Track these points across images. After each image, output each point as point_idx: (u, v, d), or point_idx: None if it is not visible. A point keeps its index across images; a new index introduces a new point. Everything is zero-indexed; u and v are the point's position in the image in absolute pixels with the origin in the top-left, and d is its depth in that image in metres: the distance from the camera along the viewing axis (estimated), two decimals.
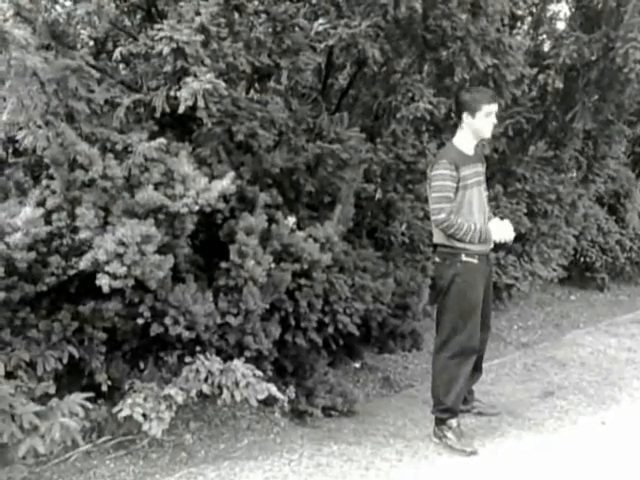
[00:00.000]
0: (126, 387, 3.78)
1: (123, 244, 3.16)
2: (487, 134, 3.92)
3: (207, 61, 3.49)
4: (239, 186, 4.00)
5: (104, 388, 3.79)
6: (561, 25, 6.34)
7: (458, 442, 3.90)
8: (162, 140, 3.41)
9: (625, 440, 3.98)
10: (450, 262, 3.89)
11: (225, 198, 3.95)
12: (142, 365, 4.02)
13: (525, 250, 6.12)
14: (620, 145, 6.97)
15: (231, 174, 3.46)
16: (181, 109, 3.43)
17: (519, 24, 6.09)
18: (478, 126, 3.86)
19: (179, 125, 3.90)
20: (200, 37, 3.47)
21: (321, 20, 4.37)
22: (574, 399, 4.70)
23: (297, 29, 4.20)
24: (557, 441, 3.98)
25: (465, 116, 3.87)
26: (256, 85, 4.30)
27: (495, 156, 5.97)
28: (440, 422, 4.01)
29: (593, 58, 5.49)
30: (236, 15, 4.05)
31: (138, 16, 4.69)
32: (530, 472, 3.63)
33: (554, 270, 6.34)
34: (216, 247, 4.03)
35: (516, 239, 6.12)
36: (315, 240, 3.90)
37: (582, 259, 8.16)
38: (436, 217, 3.80)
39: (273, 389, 3.80)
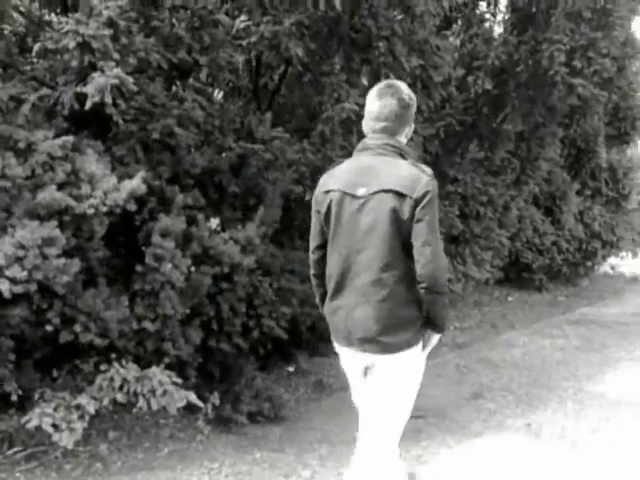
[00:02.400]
0: (36, 396, 3.61)
1: (23, 247, 3.00)
2: None
3: (116, 56, 3.35)
4: (159, 187, 3.89)
5: (14, 397, 3.60)
6: (498, 29, 6.42)
7: None
8: (67, 138, 3.26)
9: (549, 442, 3.98)
10: None
11: (142, 199, 3.84)
12: (56, 373, 3.85)
13: (458, 252, 6.12)
14: (553, 147, 7.07)
15: (141, 173, 3.33)
16: (88, 105, 3.30)
17: (453, 26, 6.11)
18: None
19: (94, 123, 3.74)
20: (108, 31, 3.33)
21: (243, 17, 4.28)
22: (502, 401, 4.69)
23: (218, 26, 4.10)
24: (482, 444, 3.95)
25: None
26: (177, 82, 4.16)
27: (427, 158, 5.97)
28: None
29: (521, 60, 5.54)
30: (153, 10, 3.94)
31: (58, 10, 4.53)
32: (451, 476, 3.59)
33: (488, 272, 6.34)
34: (137, 250, 3.90)
35: (449, 241, 6.18)
36: (236, 242, 3.80)
37: (518, 260, 8.25)
38: None
39: (192, 397, 3.68)
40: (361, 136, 4.82)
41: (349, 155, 4.77)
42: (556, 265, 8.69)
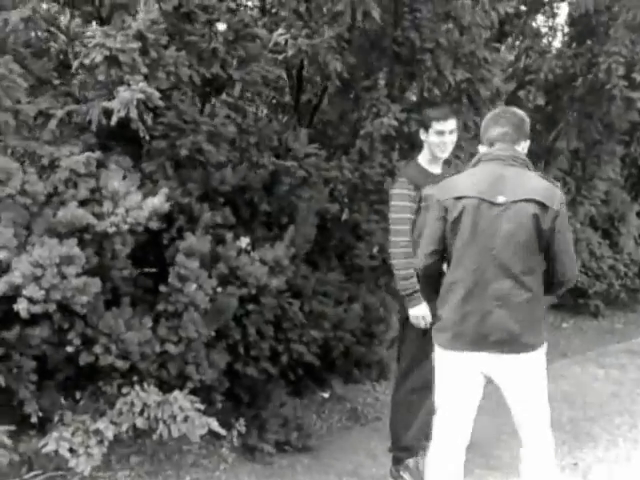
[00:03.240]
0: (56, 419, 3.51)
1: (41, 266, 2.90)
2: (439, 153, 3.63)
3: (144, 70, 3.25)
4: (188, 204, 3.77)
5: (34, 419, 3.51)
6: (557, 43, 6.11)
7: None
8: (91, 154, 3.16)
9: None
10: None
11: (171, 217, 3.74)
12: (78, 395, 3.75)
13: None
14: (611, 165, 6.68)
15: (164, 190, 3.21)
16: (113, 120, 3.20)
17: (508, 39, 5.84)
18: (431, 143, 3.61)
19: (123, 139, 3.65)
20: (136, 44, 3.24)
21: (281, 30, 4.14)
22: None
23: (255, 39, 3.97)
24: None
25: (421, 132, 3.64)
26: (211, 98, 4.05)
27: None
28: (397, 461, 3.71)
29: (577, 73, 5.24)
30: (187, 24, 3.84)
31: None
32: None
33: None
34: (165, 270, 3.78)
35: None
36: (264, 263, 3.64)
37: (574, 285, 7.84)
38: (390, 239, 3.55)
39: (214, 424, 3.52)
40: (403, 153, 4.61)
41: (389, 173, 4.60)
42: (614, 291, 8.23)
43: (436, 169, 3.70)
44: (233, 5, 4.04)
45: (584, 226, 8.04)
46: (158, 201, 3.11)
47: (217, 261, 3.67)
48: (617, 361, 6.39)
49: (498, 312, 2.59)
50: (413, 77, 4.45)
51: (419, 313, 3.52)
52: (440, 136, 3.60)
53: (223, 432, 3.60)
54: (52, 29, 3.95)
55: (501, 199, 2.61)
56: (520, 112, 2.87)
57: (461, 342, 2.68)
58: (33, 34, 3.75)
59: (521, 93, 5.24)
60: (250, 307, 3.71)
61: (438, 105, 3.89)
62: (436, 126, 3.59)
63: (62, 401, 3.66)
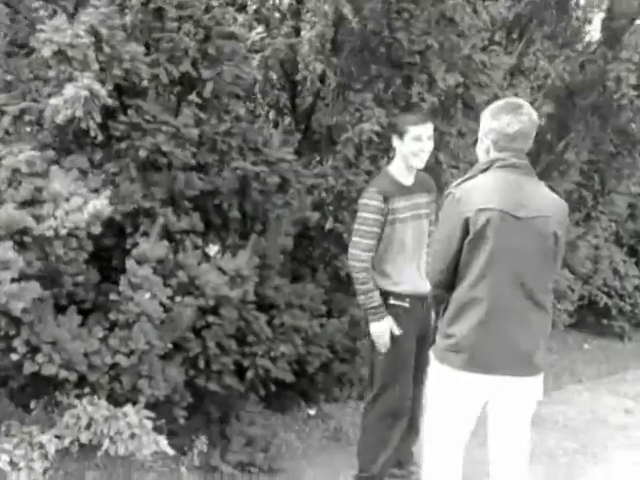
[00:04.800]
0: (2, 429, 3.36)
1: None
2: (415, 161, 3.34)
3: (95, 66, 3.09)
4: (151, 208, 3.60)
5: None
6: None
7: None
8: (35, 153, 3.01)
9: None
10: None
11: (135, 222, 3.58)
12: (33, 405, 3.60)
13: None
14: (634, 179, 6.28)
15: (106, 193, 3.04)
16: (59, 118, 3.04)
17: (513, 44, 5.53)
18: (406, 151, 3.32)
19: (80, 138, 3.50)
20: (87, 39, 3.08)
21: (259, 29, 3.96)
22: (539, 469, 4.03)
23: (230, 37, 3.79)
24: None
25: (394, 139, 3.36)
26: (190, 97, 3.85)
27: None
28: None
29: (587, 81, 4.91)
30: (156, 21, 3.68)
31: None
32: None
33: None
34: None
35: None
36: (224, 273, 3.43)
37: (596, 304, 7.42)
38: (350, 251, 3.30)
39: (163, 442, 3.33)
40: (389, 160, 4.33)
41: None
42: None
43: (409, 180, 3.43)
44: (210, 2, 3.86)
45: (609, 242, 7.64)
46: (100, 204, 2.93)
47: (176, 269, 3.48)
48: (634, 389, 5.96)
49: (519, 334, 2.45)
50: (404, 81, 4.18)
51: (381, 329, 3.27)
52: (418, 142, 3.32)
53: (170, 451, 3.39)
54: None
55: (522, 213, 2.41)
56: (532, 111, 2.52)
57: (478, 364, 2.49)
58: None
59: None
60: (210, 319, 3.50)
61: (412, 109, 3.61)
62: (413, 131, 3.31)
63: (14, 410, 3.53)
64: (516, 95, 5.22)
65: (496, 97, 4.51)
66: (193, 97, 3.68)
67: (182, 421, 3.76)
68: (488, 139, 2.50)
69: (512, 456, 2.65)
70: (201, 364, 3.59)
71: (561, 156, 5.13)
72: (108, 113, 3.41)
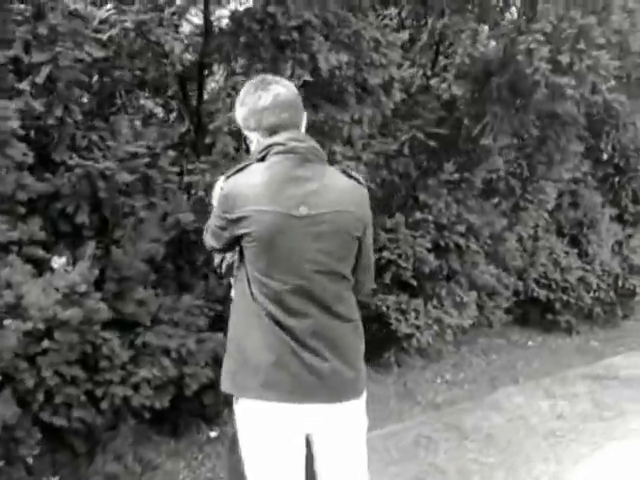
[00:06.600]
0: None
1: None
2: None
3: None
4: None
5: None
6: None
7: None
8: None
9: None
10: None
11: None
12: None
13: (435, 292, 5.04)
14: (565, 165, 5.86)
15: None
16: None
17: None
18: None
19: None
20: None
21: (109, 5, 3.45)
22: None
23: (69, 15, 3.28)
24: None
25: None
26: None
27: (396, 179, 4.96)
28: None
29: (499, 56, 4.47)
30: None
31: None
32: None
33: (471, 318, 5.23)
34: None
35: (420, 279, 5.13)
36: (56, 290, 2.92)
37: (536, 300, 7.03)
38: None
39: None
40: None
41: None
42: (585, 305, 7.37)
43: None
44: None
45: (549, 233, 7.25)
46: None
47: (5, 288, 2.96)
48: (572, 389, 5.55)
49: (323, 350, 2.03)
50: (277, 61, 3.70)
51: None
52: None
53: None
54: None
55: (304, 210, 1.98)
56: (285, 81, 2.13)
57: (275, 393, 2.05)
58: None
59: (433, 82, 4.47)
60: (45, 344, 2.99)
61: None
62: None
63: None
64: (424, 76, 4.81)
65: (392, 78, 4.08)
66: (25, 85, 3.15)
67: (30, 460, 3.26)
68: (251, 127, 2.07)
69: None
70: (40, 396, 3.08)
71: (475, 143, 4.68)
72: None
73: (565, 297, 7.15)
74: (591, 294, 7.34)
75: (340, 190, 2.04)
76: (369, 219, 2.12)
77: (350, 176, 2.11)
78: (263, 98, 2.03)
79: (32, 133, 3.56)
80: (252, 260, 2.01)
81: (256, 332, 2.01)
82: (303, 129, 2.14)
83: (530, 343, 7.39)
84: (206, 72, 4.21)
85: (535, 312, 7.44)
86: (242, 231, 1.99)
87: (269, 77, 2.12)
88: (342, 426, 2.13)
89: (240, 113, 2.08)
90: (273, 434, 2.06)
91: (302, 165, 2.00)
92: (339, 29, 3.87)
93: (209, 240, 2.15)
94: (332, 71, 3.78)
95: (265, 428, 2.05)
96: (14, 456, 3.22)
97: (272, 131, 2.05)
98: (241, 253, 2.06)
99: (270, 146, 2.02)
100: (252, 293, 2.02)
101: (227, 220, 2.01)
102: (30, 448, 3.24)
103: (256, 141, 2.08)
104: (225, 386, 2.11)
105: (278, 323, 2.00)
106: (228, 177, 2.04)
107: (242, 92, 2.10)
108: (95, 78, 4.25)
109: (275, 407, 2.01)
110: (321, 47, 3.70)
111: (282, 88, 2.07)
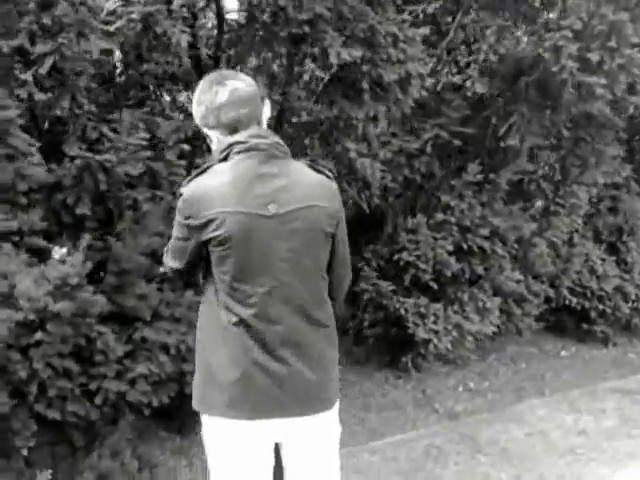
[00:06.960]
0: None
1: None
2: None
3: None
4: None
5: None
6: None
7: None
8: None
9: None
10: None
11: None
12: None
13: (457, 297, 4.88)
14: (603, 168, 5.59)
15: None
16: None
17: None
18: None
19: None
20: None
21: None
22: None
23: (73, 6, 3.26)
24: None
25: None
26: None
27: (418, 179, 4.82)
28: None
29: (527, 54, 4.28)
30: None
31: None
32: None
33: (493, 324, 5.04)
34: None
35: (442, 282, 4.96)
36: (48, 281, 2.90)
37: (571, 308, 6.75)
38: None
39: None
40: None
41: None
42: (622, 315, 7.07)
43: None
44: None
45: (585, 239, 6.97)
46: None
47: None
48: (599, 404, 5.31)
49: (296, 360, 1.94)
50: (290, 56, 3.62)
51: None
52: None
53: None
54: None
55: (272, 209, 1.89)
56: (243, 75, 2.02)
57: (241, 408, 1.97)
58: None
59: (456, 79, 4.31)
60: (38, 336, 2.97)
61: None
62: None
63: None
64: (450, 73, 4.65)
65: (409, 75, 3.94)
66: (27, 76, 3.13)
67: (25, 452, 3.26)
68: (210, 125, 1.96)
69: None
70: (33, 388, 3.06)
71: (497, 144, 4.50)
72: None
73: (601, 306, 6.85)
74: (629, 304, 7.03)
75: (309, 185, 1.94)
76: (342, 214, 2.02)
77: (318, 170, 2.00)
78: (220, 94, 1.92)
79: (46, 124, 3.57)
80: (220, 265, 1.90)
81: (222, 348, 1.91)
82: (265, 124, 2.03)
83: (563, 353, 7.12)
84: (221, 66, 4.15)
85: (570, 321, 7.16)
86: (210, 235, 1.86)
87: (225, 72, 2.06)
88: (313, 438, 2.02)
89: (198, 112, 1.97)
90: (239, 449, 1.96)
91: (267, 162, 1.90)
92: (354, 23, 3.75)
93: (169, 262, 2.04)
94: (346, 66, 3.66)
95: (231, 443, 1.96)
96: (11, 447, 3.22)
97: (232, 128, 1.93)
98: (207, 263, 1.96)
99: (231, 145, 1.91)
100: (219, 301, 1.92)
101: (191, 227, 1.89)
102: (25, 440, 3.23)
103: (216, 140, 1.98)
104: (194, 403, 2.02)
105: (249, 330, 1.90)
106: (189, 181, 1.94)
107: (198, 90, 1.98)
108: (119, 70, 4.28)
109: (241, 424, 1.92)
110: (333, 41, 3.58)
111: (240, 82, 1.96)
